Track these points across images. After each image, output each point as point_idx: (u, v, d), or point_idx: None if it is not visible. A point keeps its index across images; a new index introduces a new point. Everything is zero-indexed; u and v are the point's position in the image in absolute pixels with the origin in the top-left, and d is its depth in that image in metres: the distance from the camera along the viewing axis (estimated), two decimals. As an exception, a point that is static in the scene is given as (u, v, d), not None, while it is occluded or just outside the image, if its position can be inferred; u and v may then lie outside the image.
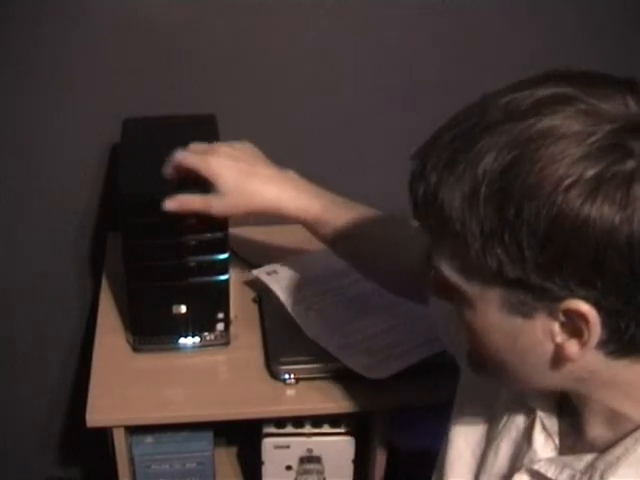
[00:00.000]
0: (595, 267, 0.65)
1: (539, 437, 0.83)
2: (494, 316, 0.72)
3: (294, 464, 1.33)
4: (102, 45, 1.43)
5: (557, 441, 0.82)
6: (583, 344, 0.69)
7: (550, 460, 0.81)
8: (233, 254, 1.43)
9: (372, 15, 1.47)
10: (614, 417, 0.76)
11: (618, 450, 0.74)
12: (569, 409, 0.82)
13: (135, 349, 1.30)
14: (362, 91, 1.54)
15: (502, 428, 0.89)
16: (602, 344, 0.69)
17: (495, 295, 0.70)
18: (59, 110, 1.47)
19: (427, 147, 0.71)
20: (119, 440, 1.24)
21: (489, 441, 0.91)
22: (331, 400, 1.24)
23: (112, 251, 1.50)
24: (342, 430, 1.32)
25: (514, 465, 0.85)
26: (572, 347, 0.70)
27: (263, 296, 1.39)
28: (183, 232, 1.21)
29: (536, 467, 0.81)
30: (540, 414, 0.84)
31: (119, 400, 1.22)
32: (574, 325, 0.69)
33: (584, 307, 0.67)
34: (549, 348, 0.72)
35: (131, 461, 1.31)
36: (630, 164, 0.64)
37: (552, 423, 0.83)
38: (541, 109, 0.66)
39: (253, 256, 1.48)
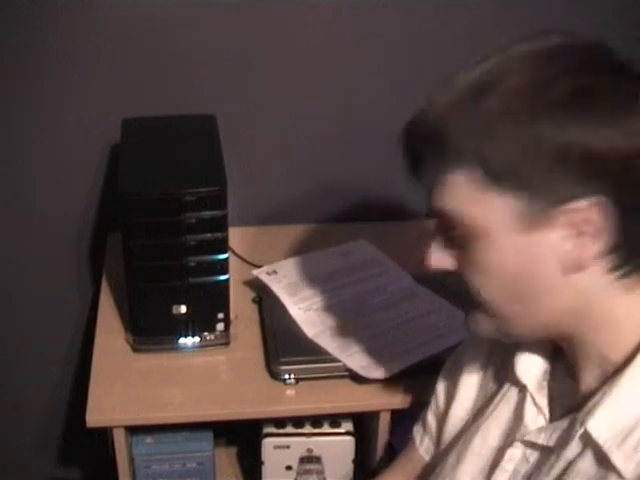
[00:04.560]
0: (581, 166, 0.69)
1: (530, 411, 0.86)
2: (509, 237, 0.74)
3: (294, 464, 1.33)
4: (102, 45, 1.43)
5: (547, 414, 0.85)
6: (591, 246, 0.72)
7: (540, 429, 0.84)
8: (233, 254, 1.44)
9: (373, 15, 1.47)
10: (601, 361, 0.79)
11: (596, 397, 0.77)
12: (561, 372, 0.85)
13: (135, 349, 1.30)
14: (362, 91, 1.54)
15: (492, 407, 0.91)
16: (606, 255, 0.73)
17: (508, 212, 0.73)
18: (59, 110, 1.47)
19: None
20: (119, 440, 1.23)
21: (479, 415, 0.94)
22: (331, 400, 1.24)
23: (112, 251, 1.50)
24: (342, 430, 1.32)
25: (506, 440, 0.88)
26: (583, 249, 0.72)
27: (263, 296, 1.39)
28: (183, 232, 1.21)
29: (527, 437, 0.85)
30: (530, 389, 0.86)
31: (119, 400, 1.21)
32: (583, 227, 0.71)
33: (586, 205, 0.70)
34: (562, 256, 0.73)
35: (131, 461, 1.31)
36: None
37: (542, 396, 0.86)
38: None
39: (253, 256, 1.49)
